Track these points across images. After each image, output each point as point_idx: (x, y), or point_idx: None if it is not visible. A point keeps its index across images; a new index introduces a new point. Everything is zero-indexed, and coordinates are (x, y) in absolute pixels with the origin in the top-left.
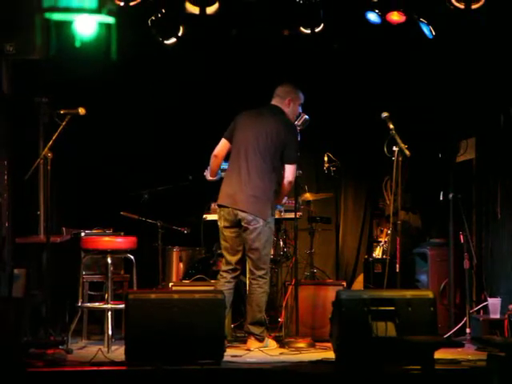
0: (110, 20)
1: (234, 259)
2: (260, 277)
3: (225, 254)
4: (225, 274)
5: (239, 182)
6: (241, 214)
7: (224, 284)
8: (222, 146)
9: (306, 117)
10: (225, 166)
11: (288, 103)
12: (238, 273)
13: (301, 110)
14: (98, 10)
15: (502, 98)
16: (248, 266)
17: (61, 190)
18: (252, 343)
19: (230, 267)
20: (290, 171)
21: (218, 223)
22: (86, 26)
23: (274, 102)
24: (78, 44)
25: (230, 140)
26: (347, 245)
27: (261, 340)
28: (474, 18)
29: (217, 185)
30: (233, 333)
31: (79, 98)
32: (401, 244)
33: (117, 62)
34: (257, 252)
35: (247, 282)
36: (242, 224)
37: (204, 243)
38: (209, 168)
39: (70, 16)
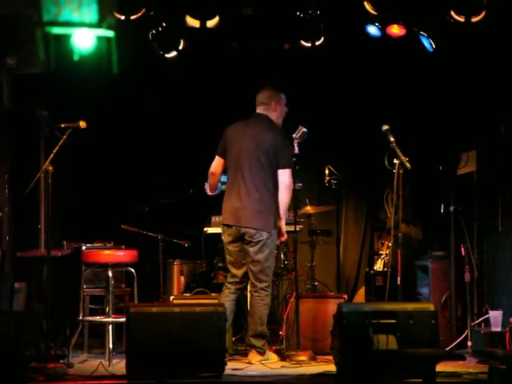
0: (110, 34)
1: (239, 273)
2: (262, 289)
3: (230, 267)
4: (229, 286)
5: (239, 197)
6: (244, 230)
7: (228, 295)
8: (217, 163)
9: (304, 129)
10: (224, 178)
11: (274, 107)
12: (242, 285)
13: (286, 110)
14: (99, 25)
15: (502, 110)
16: (251, 278)
17: (62, 204)
18: (253, 356)
19: (236, 280)
20: (285, 175)
21: (222, 238)
22: (85, 40)
23: (260, 110)
24: (76, 58)
25: (223, 156)
26: (348, 258)
27: (262, 353)
28: (474, 30)
29: (217, 198)
30: (234, 346)
31: (80, 111)
32: (402, 257)
33: (117, 75)
34: (259, 264)
35: (248, 294)
36: (246, 238)
37: (205, 256)
38: (208, 184)
39: (69, 30)
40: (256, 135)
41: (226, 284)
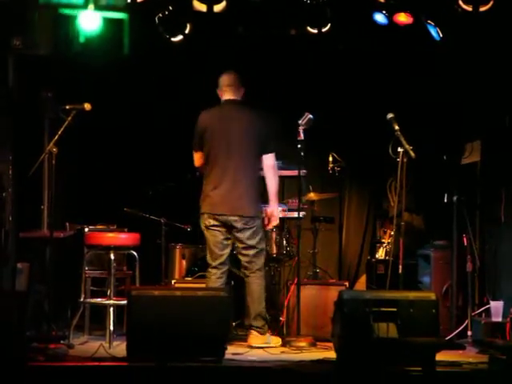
0: (122, 15)
1: (224, 253)
2: (258, 270)
3: (214, 249)
4: (214, 271)
5: (227, 186)
6: (238, 218)
7: (216, 280)
8: (198, 156)
9: (310, 116)
10: None
11: (243, 91)
12: (227, 268)
13: None
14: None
15: (507, 100)
16: (243, 263)
17: (65, 185)
18: (253, 338)
19: (220, 261)
20: (270, 160)
21: (205, 223)
22: (91, 22)
23: (229, 95)
24: (82, 39)
25: (201, 149)
26: (350, 245)
27: (262, 333)
28: (481, 20)
29: None
30: (234, 331)
31: (84, 93)
32: (404, 245)
33: (122, 57)
34: (253, 249)
35: (245, 277)
36: (238, 226)
37: None
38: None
39: (75, 11)
40: (239, 124)
41: (210, 270)
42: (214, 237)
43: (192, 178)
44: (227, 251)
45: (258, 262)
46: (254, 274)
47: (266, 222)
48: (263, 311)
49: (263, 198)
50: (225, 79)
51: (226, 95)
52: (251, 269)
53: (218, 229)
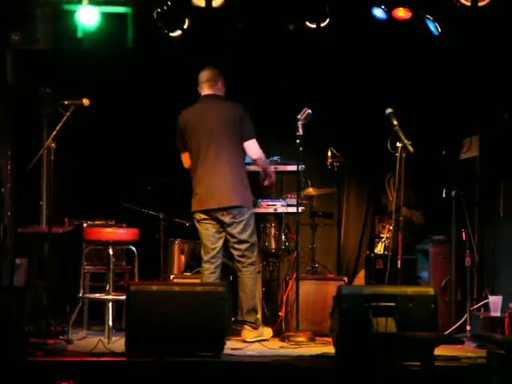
0: (126, 9)
1: (216, 246)
2: (250, 264)
3: (206, 242)
4: (207, 265)
5: (213, 180)
6: (226, 211)
7: (209, 276)
8: (186, 157)
9: (309, 111)
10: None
11: (221, 85)
12: (220, 261)
13: None
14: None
15: (506, 95)
16: (235, 257)
17: (64, 181)
18: (247, 333)
19: (212, 254)
20: (253, 146)
21: (196, 217)
22: (89, 17)
23: (207, 91)
24: (80, 34)
25: (186, 148)
26: (349, 240)
27: (255, 327)
28: (480, 15)
29: None
30: (232, 326)
31: (83, 88)
32: (403, 240)
33: (125, 52)
34: (244, 243)
35: (238, 271)
36: (227, 221)
37: None
38: None
39: (73, 7)
40: (217, 116)
41: (203, 265)
42: (206, 230)
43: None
44: (219, 244)
45: (251, 255)
46: (246, 269)
47: (261, 177)
48: (256, 306)
49: (256, 193)
50: (201, 76)
51: (204, 91)
52: (244, 263)
53: (208, 222)
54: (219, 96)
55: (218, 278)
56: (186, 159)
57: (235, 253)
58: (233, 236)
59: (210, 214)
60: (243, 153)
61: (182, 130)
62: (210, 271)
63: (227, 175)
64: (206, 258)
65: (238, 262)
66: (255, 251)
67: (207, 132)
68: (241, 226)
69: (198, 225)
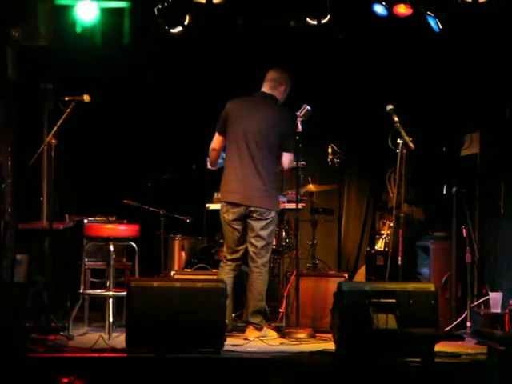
0: (123, 4)
1: (240, 249)
2: (262, 265)
3: (230, 244)
4: (229, 262)
5: (247, 176)
6: (254, 208)
7: (229, 272)
8: (218, 140)
9: (308, 108)
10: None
11: (283, 90)
12: (242, 262)
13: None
14: None
15: (507, 92)
16: (250, 253)
17: (64, 177)
18: (251, 332)
19: (236, 256)
20: (288, 159)
21: (224, 216)
22: (88, 12)
23: (267, 88)
24: (79, 29)
25: (223, 133)
26: (349, 237)
27: (259, 329)
28: (481, 12)
29: (220, 175)
30: (233, 322)
31: (83, 84)
32: (403, 237)
33: (122, 48)
34: (262, 240)
35: (249, 271)
36: (254, 216)
37: (206, 232)
38: (209, 158)
39: (73, 2)
40: (266, 115)
41: (226, 261)
42: (232, 233)
43: (196, 168)
44: (243, 247)
45: (265, 255)
46: (257, 270)
47: None
48: (262, 307)
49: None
50: (268, 73)
51: (264, 88)
52: (256, 262)
53: (236, 225)
54: (275, 98)
55: (236, 276)
56: (217, 141)
57: (251, 249)
58: (253, 230)
59: (237, 209)
60: (279, 161)
61: (226, 116)
62: (231, 268)
63: (262, 175)
64: (228, 257)
65: (252, 259)
66: (269, 253)
67: (250, 128)
68: (264, 223)
69: (224, 225)
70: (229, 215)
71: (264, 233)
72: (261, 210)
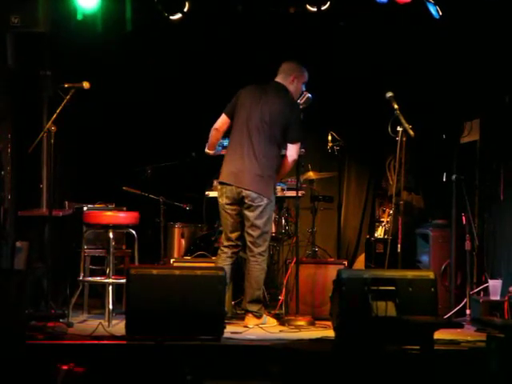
0: None
1: (234, 235)
2: (259, 254)
3: (225, 230)
4: (226, 250)
5: (244, 160)
6: (245, 192)
7: (225, 259)
8: (223, 121)
9: (309, 95)
10: (224, 142)
11: (292, 80)
12: (239, 249)
13: (304, 89)
14: None
15: (506, 79)
16: (247, 243)
17: (64, 164)
18: (250, 320)
19: (231, 243)
20: (294, 149)
21: (219, 200)
22: None
23: (279, 78)
24: (79, 17)
25: (230, 116)
26: (349, 224)
27: (258, 317)
28: None
29: (220, 162)
30: (233, 310)
31: (83, 71)
32: (403, 224)
33: (121, 35)
34: (258, 229)
35: (246, 259)
36: (246, 201)
37: (206, 220)
38: (208, 141)
39: None
40: (273, 103)
41: (222, 248)
42: (226, 218)
43: (196, 156)
44: (238, 234)
45: (262, 244)
46: (254, 259)
47: None
48: (260, 296)
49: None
50: (282, 64)
51: (277, 77)
52: (253, 251)
53: (230, 210)
54: (285, 89)
55: (233, 263)
56: (221, 121)
57: (247, 239)
58: (248, 219)
59: (230, 190)
60: (280, 150)
61: (237, 99)
62: (227, 255)
63: (257, 163)
64: (225, 243)
65: (249, 249)
66: (267, 242)
67: (255, 115)
68: (257, 212)
69: (221, 210)
70: (223, 199)
71: (259, 222)
72: (252, 196)
